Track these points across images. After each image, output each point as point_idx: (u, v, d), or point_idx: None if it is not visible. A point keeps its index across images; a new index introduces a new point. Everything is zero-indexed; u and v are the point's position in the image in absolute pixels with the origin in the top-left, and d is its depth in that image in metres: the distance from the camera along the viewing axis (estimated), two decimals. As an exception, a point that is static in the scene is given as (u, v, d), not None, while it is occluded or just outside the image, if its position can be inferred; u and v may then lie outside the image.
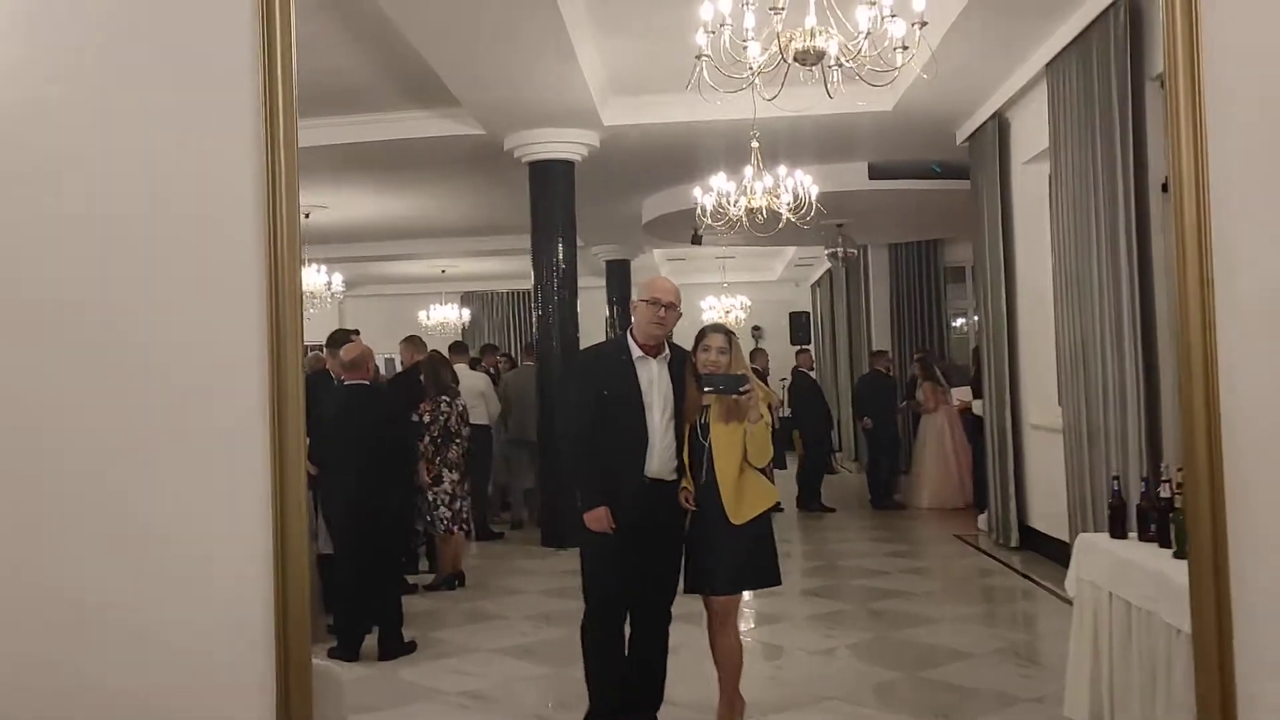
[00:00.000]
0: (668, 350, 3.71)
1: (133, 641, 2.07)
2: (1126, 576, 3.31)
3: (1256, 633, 1.96)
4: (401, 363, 6.66)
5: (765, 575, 3.73)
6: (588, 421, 3.63)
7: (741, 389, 3.56)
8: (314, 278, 9.74)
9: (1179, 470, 3.47)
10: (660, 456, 3.62)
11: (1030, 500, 7.24)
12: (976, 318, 9.49)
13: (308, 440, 4.85)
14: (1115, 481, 3.67)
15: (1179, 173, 1.98)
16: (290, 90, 1.99)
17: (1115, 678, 3.32)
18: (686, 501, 3.65)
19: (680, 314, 3.71)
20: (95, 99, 2.11)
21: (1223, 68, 1.92)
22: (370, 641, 4.89)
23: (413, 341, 6.56)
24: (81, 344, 2.12)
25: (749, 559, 3.65)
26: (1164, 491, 3.35)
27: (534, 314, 8.25)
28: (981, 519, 8.00)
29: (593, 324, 10.97)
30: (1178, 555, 3.15)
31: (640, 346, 3.65)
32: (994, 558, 7.14)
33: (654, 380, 3.66)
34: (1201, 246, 2.00)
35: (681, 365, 3.71)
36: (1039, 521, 7.10)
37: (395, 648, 4.83)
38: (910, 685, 4.31)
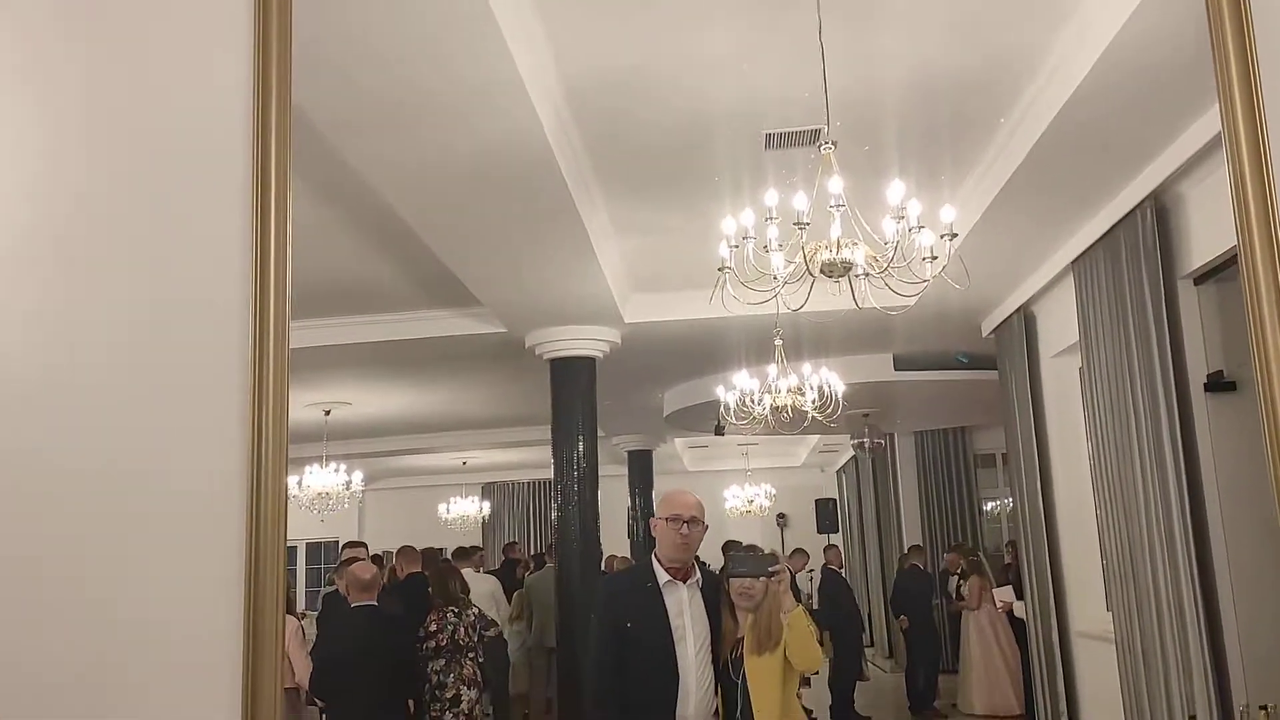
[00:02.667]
0: (698, 574, 3.43)
1: None
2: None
3: None
4: (397, 574, 6.38)
5: None
6: (610, 658, 3.29)
7: (771, 569, 3.23)
8: (332, 478, 9.57)
9: (1262, 710, 3.15)
10: (697, 696, 3.21)
11: (1083, 713, 6.75)
12: (1010, 501, 9.17)
13: (314, 670, 4.61)
14: (1192, 723, 3.33)
15: (1264, 355, 1.80)
16: (283, 284, 1.87)
17: None
18: None
19: (706, 527, 3.42)
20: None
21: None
22: None
23: (406, 552, 6.31)
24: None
25: None
26: (1248, 737, 3.01)
27: (553, 511, 8.02)
28: (1031, 731, 7.45)
29: (615, 514, 10.69)
30: (1274, 819, 2.79)
31: (666, 570, 3.36)
32: (1050, 779, 6.57)
33: (684, 607, 3.29)
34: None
35: (715, 590, 3.41)
36: (1095, 736, 6.58)
37: None
38: None
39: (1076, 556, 6.80)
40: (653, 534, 3.43)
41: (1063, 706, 6.77)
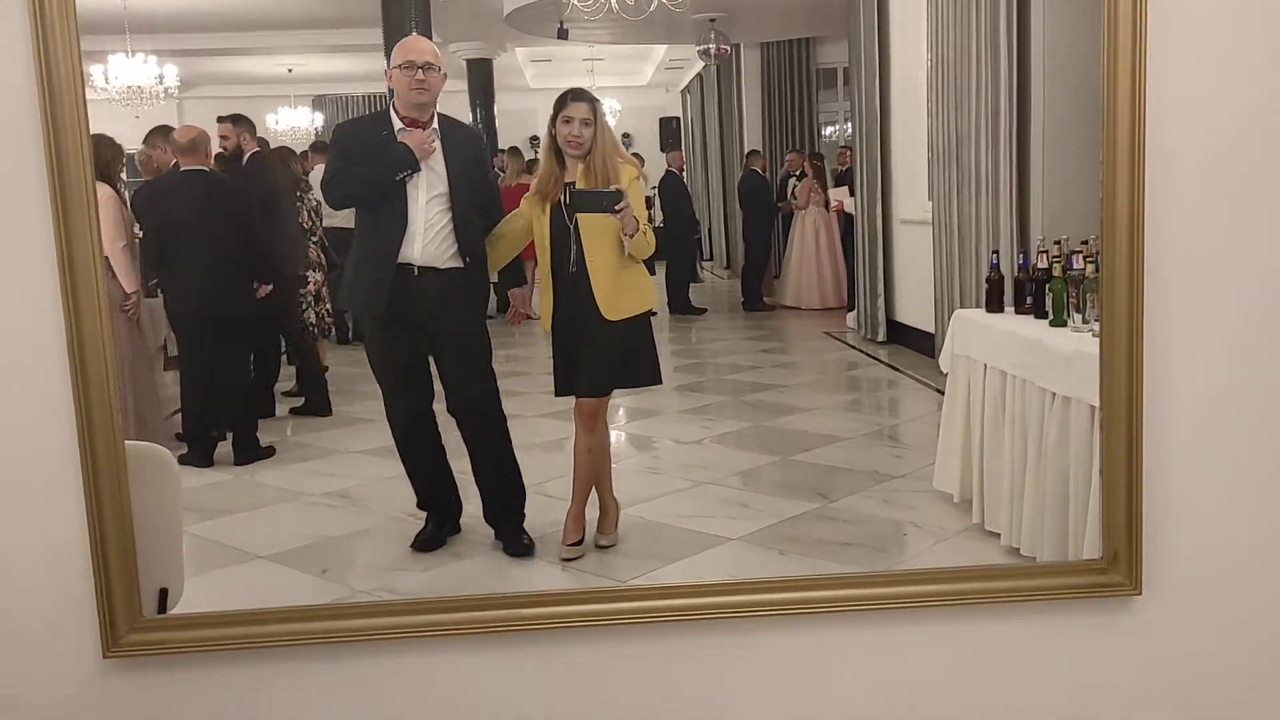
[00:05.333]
0: (437, 125, 3.36)
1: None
2: (1002, 347, 3.31)
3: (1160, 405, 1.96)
4: (225, 146, 5.97)
5: (643, 374, 3.52)
6: (341, 201, 3.38)
7: (617, 206, 3.23)
8: (141, 70, 8.79)
9: (1056, 244, 3.46)
10: (424, 240, 3.33)
11: (898, 295, 7.34)
12: (849, 126, 9.42)
13: (141, 237, 4.47)
14: (994, 255, 3.64)
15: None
16: None
17: (986, 446, 3.36)
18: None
19: (444, 74, 3.37)
20: None
21: None
22: (225, 448, 4.63)
23: (245, 123, 5.90)
24: None
25: (623, 360, 3.42)
26: (1041, 262, 3.32)
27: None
28: (850, 317, 8.11)
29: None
30: (1054, 324, 3.16)
31: (403, 120, 3.32)
32: (862, 351, 7.25)
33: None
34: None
35: (468, 145, 3.41)
36: (906, 315, 7.20)
37: (251, 453, 4.59)
38: (785, 468, 4.33)
39: (905, 155, 7.09)
40: (390, 86, 3.38)
41: (881, 285, 7.34)
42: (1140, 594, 2.16)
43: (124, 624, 1.81)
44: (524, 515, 3.53)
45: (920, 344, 7.00)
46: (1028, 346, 3.12)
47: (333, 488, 4.26)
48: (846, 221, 8.68)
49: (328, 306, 6.13)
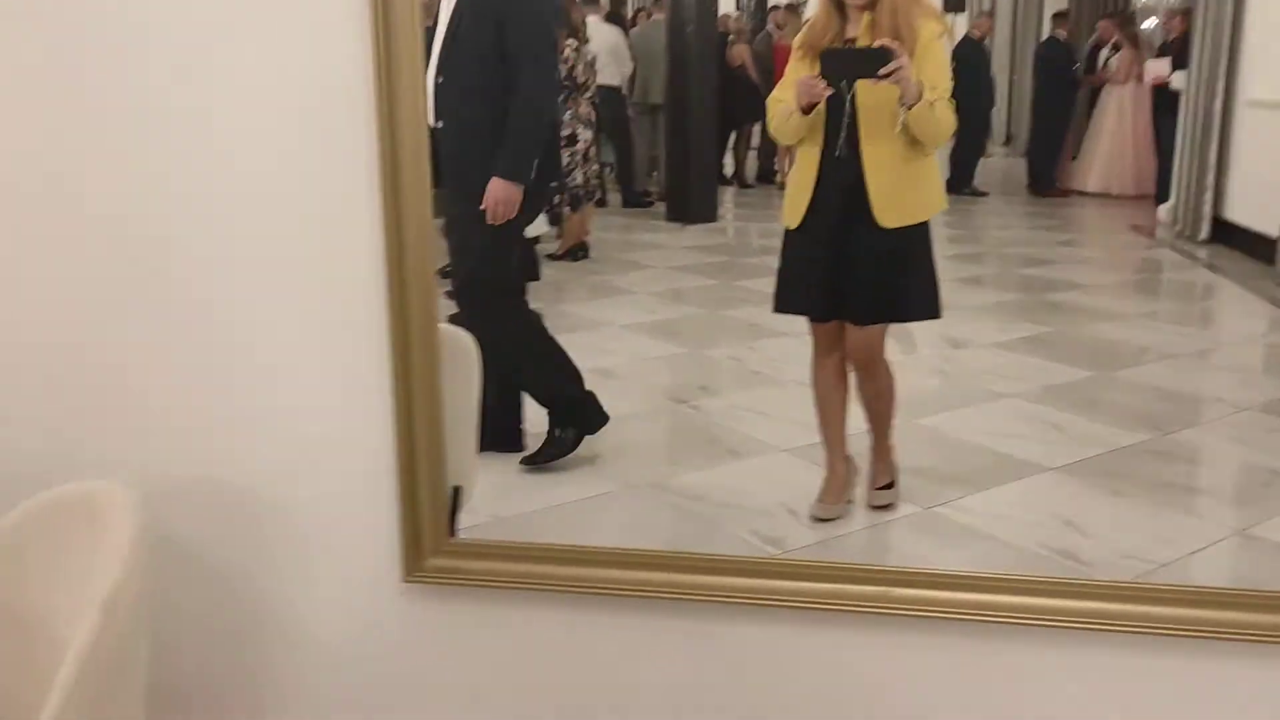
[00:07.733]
0: None
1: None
2: None
3: None
4: None
5: (916, 304, 2.88)
6: None
7: (881, 71, 2.45)
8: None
9: None
10: (434, 85, 2.53)
11: (1231, 188, 6.35)
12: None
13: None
14: None
15: None
16: None
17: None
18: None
19: None
20: None
21: None
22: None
23: None
24: None
25: (898, 279, 2.79)
26: None
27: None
28: (1163, 209, 7.15)
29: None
30: None
31: None
32: (1178, 251, 6.37)
33: None
34: None
35: None
36: (1237, 213, 6.23)
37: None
38: (1102, 385, 3.78)
39: (1267, 22, 6.01)
40: None
41: (1210, 176, 6.37)
42: None
43: (429, 545, 1.59)
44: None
45: (1253, 248, 6.05)
46: None
47: (598, 364, 4.08)
48: (1164, 99, 7.60)
49: (594, 167, 5.91)
